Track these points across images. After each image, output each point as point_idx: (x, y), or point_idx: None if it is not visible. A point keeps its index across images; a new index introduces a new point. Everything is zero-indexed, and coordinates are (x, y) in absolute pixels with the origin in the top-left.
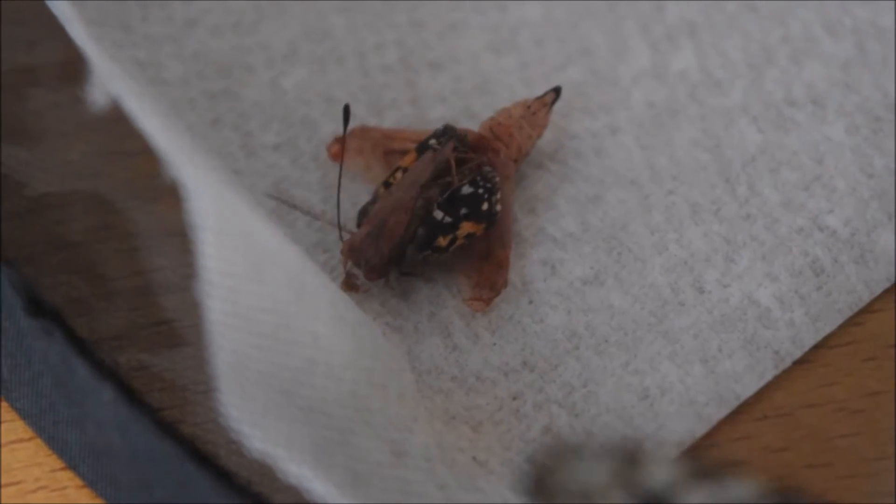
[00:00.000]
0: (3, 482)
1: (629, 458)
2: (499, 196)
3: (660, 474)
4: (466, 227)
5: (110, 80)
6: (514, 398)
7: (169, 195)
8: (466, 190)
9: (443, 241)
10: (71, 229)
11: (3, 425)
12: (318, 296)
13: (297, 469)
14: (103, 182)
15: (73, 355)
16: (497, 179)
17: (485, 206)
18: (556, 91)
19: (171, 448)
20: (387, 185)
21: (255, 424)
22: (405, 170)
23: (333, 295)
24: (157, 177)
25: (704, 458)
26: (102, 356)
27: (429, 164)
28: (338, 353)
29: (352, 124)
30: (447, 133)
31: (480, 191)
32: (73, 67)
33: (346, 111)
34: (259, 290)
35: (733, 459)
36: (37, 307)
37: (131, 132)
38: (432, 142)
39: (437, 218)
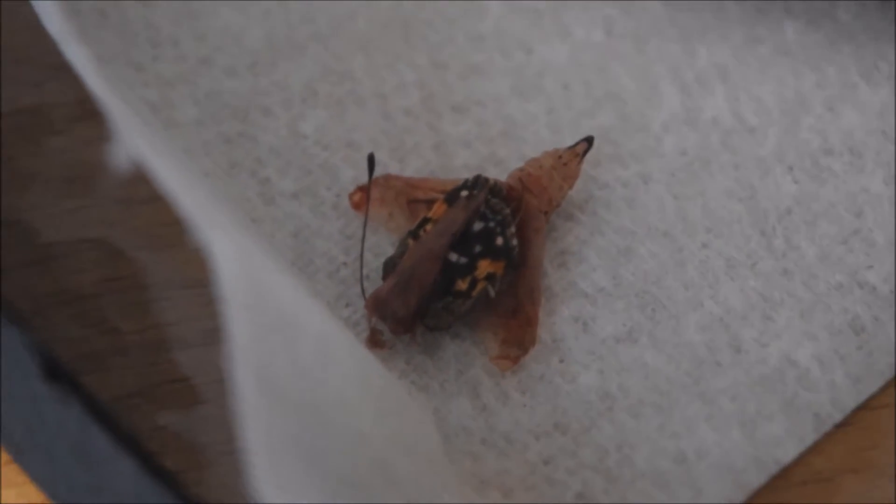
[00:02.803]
0: None
1: None
2: (513, 230)
3: None
4: (484, 266)
5: (131, 138)
6: (547, 462)
7: (183, 244)
8: (477, 226)
9: (462, 285)
10: (82, 281)
11: (14, 489)
12: (344, 359)
13: None
14: (115, 230)
15: (91, 423)
16: (507, 212)
17: (499, 241)
18: (589, 141)
19: None
20: (414, 236)
21: (284, 498)
22: (434, 221)
23: (359, 356)
24: (171, 225)
25: None
26: (121, 422)
27: (461, 213)
28: (365, 418)
29: (374, 171)
30: (478, 184)
31: (492, 224)
32: (82, 108)
33: (371, 160)
34: (287, 360)
35: None
36: (51, 371)
37: (143, 177)
38: (464, 193)
39: (452, 260)
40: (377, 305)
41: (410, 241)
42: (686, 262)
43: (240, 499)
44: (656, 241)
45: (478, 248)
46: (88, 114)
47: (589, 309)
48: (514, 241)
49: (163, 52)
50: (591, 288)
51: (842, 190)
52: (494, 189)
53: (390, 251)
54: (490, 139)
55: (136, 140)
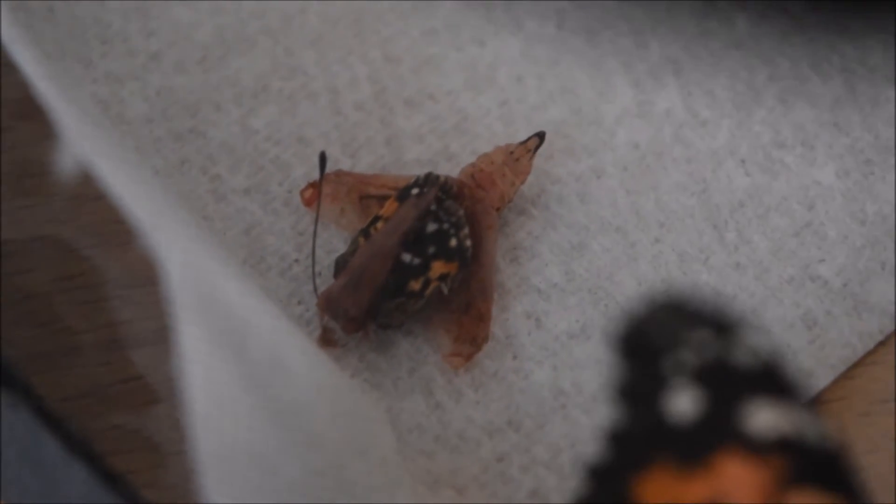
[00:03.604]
0: None
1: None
2: (466, 231)
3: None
4: (438, 268)
5: (78, 137)
6: (500, 460)
7: (135, 241)
8: (431, 227)
9: (415, 285)
10: (33, 279)
11: None
12: (295, 361)
13: None
14: (66, 228)
15: (41, 427)
16: (461, 213)
17: (453, 243)
18: (540, 136)
19: None
20: (365, 234)
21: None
22: (385, 219)
23: (311, 358)
24: (123, 222)
25: None
26: (72, 425)
27: (411, 211)
28: (317, 421)
29: (326, 167)
30: (429, 181)
31: (445, 226)
32: (29, 106)
33: (323, 158)
34: (237, 364)
35: None
36: (1, 377)
37: (93, 174)
38: (414, 191)
39: (406, 261)
40: (329, 304)
41: (361, 240)
42: (639, 257)
43: (191, 500)
44: (609, 235)
45: (431, 250)
46: (36, 111)
47: (542, 305)
48: (468, 243)
49: (112, 48)
50: (543, 283)
51: (794, 183)
52: (445, 186)
53: (342, 248)
54: (443, 133)
55: (82, 139)
